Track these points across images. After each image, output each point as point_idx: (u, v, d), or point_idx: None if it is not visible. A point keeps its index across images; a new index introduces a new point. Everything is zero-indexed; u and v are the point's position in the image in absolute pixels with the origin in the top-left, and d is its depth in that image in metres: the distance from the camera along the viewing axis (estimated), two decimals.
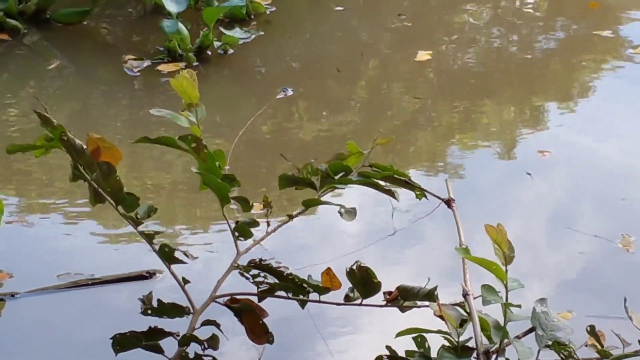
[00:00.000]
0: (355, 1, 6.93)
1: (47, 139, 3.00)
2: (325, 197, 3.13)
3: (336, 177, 3.10)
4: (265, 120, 5.11)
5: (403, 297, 2.97)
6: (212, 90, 5.52)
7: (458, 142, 5.08)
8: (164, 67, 5.69)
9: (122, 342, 3.00)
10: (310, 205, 3.15)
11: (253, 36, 6.12)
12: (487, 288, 2.73)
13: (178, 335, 3.02)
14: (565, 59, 6.12)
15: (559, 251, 4.10)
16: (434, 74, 5.87)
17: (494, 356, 2.73)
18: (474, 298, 2.77)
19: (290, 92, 5.45)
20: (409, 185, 3.11)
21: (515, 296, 2.75)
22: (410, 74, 5.86)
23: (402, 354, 2.89)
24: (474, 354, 2.70)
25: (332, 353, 3.47)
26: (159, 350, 3.03)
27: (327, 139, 5.07)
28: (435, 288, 2.87)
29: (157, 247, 3.07)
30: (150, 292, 3.07)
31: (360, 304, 3.03)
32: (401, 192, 3.18)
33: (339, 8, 6.72)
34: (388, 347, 2.89)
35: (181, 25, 5.76)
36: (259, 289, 3.05)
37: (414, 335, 2.88)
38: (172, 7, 5.89)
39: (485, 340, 2.73)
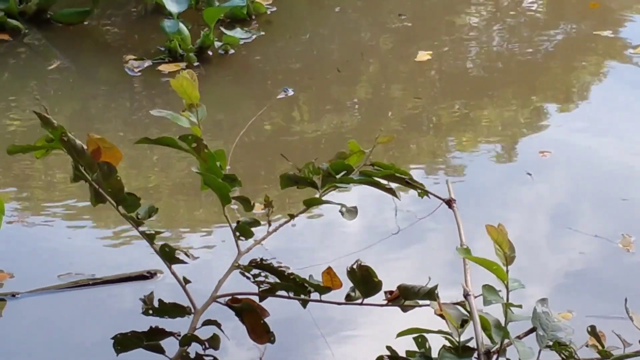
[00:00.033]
0: (356, 1, 6.94)
1: (48, 140, 3.00)
2: (327, 197, 3.14)
3: (338, 176, 3.10)
4: (266, 120, 5.11)
5: (404, 296, 2.97)
6: (213, 90, 5.52)
7: (458, 142, 5.08)
8: (165, 67, 5.69)
9: (123, 342, 3.00)
10: (311, 204, 3.15)
11: (254, 36, 6.12)
12: (488, 288, 2.73)
13: (179, 335, 3.02)
14: (566, 59, 6.12)
15: (559, 251, 4.10)
16: (434, 74, 5.87)
17: (495, 356, 2.73)
18: (475, 297, 2.77)
19: (291, 92, 5.45)
20: (410, 184, 3.11)
21: (516, 296, 2.76)
22: (411, 74, 5.86)
23: (403, 354, 2.89)
24: (475, 354, 2.70)
25: (333, 353, 3.47)
26: (160, 350, 3.03)
27: (328, 139, 5.08)
28: (436, 287, 2.87)
29: (157, 247, 3.07)
30: (152, 292, 3.07)
31: (361, 304, 3.03)
32: (402, 192, 3.18)
33: (339, 9, 6.72)
34: (389, 348, 2.89)
35: (182, 26, 5.77)
36: (260, 289, 3.05)
37: (414, 335, 2.88)
38: (173, 7, 5.90)
39: (486, 341, 2.73)
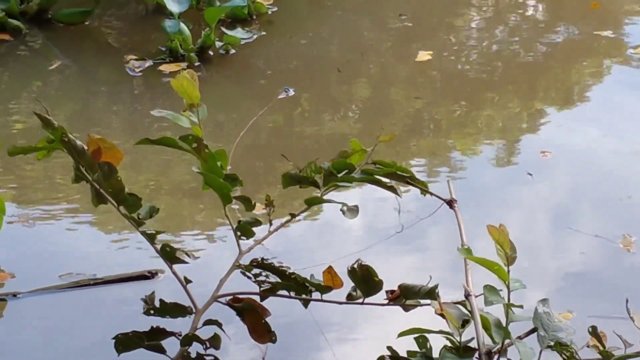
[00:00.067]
0: (357, 1, 6.94)
1: (49, 141, 3.00)
2: (328, 197, 3.14)
3: (339, 175, 3.10)
4: (267, 120, 5.11)
5: (405, 296, 2.97)
6: (214, 91, 5.53)
7: (459, 143, 5.08)
8: (166, 67, 5.69)
9: (124, 342, 3.00)
10: (312, 203, 3.16)
11: (255, 36, 6.12)
12: (489, 288, 2.73)
13: (180, 335, 3.02)
14: (566, 59, 6.12)
15: (560, 251, 4.10)
16: (434, 74, 5.87)
17: (496, 356, 2.73)
18: (476, 297, 2.77)
19: (291, 92, 5.45)
20: (411, 183, 3.12)
21: (516, 296, 2.76)
22: (411, 74, 5.86)
23: (404, 354, 2.89)
24: (476, 355, 2.70)
25: (335, 353, 3.47)
26: (161, 350, 3.03)
27: (329, 138, 5.08)
28: (436, 286, 2.88)
29: (158, 247, 3.07)
30: (153, 292, 3.07)
31: (362, 303, 3.03)
32: (403, 193, 3.18)
33: (339, 8, 6.72)
34: (389, 348, 2.89)
35: (183, 26, 5.77)
36: (261, 289, 3.05)
37: (415, 335, 2.88)
38: (173, 7, 5.90)
39: (487, 341, 2.73)
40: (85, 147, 2.95)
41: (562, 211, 4.40)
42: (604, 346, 2.85)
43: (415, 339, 2.90)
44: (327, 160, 3.15)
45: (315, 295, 3.04)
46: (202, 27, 5.99)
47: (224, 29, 5.98)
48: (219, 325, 3.04)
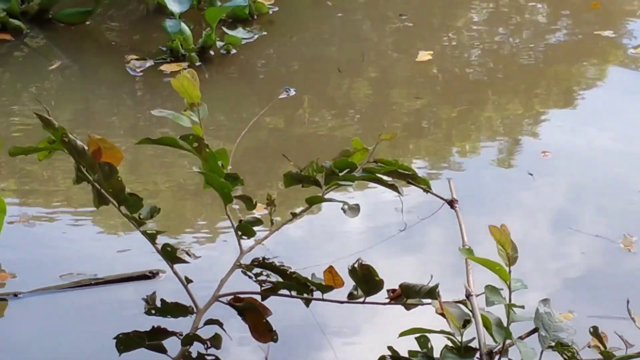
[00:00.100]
0: (357, 1, 6.94)
1: (50, 142, 3.00)
2: (329, 197, 3.14)
3: (341, 174, 3.10)
4: (267, 119, 5.11)
5: (405, 295, 2.98)
6: (215, 90, 5.53)
7: (460, 143, 5.08)
8: (167, 67, 5.69)
9: (125, 341, 3.01)
10: (313, 202, 3.16)
11: (256, 36, 6.12)
12: (490, 289, 2.73)
13: (181, 335, 3.02)
14: (567, 59, 6.12)
15: (561, 251, 4.10)
16: (435, 74, 5.87)
17: (497, 357, 2.73)
18: (477, 296, 2.77)
19: (292, 92, 5.45)
20: (414, 180, 3.12)
21: (517, 296, 2.76)
22: (412, 74, 5.86)
23: (405, 354, 2.89)
24: (477, 355, 2.70)
25: (335, 353, 3.47)
26: (162, 350, 3.04)
27: (330, 138, 5.08)
28: (437, 285, 2.88)
29: (159, 247, 3.07)
30: (154, 292, 3.08)
31: (363, 302, 3.03)
32: (404, 193, 3.18)
33: (340, 9, 6.73)
34: (390, 348, 2.89)
35: (184, 25, 5.77)
36: (262, 288, 3.06)
37: (416, 335, 2.88)
38: (174, 7, 5.90)
39: (488, 341, 2.73)
40: (86, 148, 2.96)
41: (562, 211, 4.40)
42: (605, 346, 2.85)
43: (417, 338, 2.90)
44: (328, 160, 3.15)
45: (316, 295, 3.05)
46: (203, 27, 5.99)
47: (225, 29, 5.98)
48: (220, 324, 3.04)
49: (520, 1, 7.00)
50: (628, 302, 2.84)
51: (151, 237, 3.06)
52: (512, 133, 5.17)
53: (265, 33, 6.17)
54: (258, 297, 3.07)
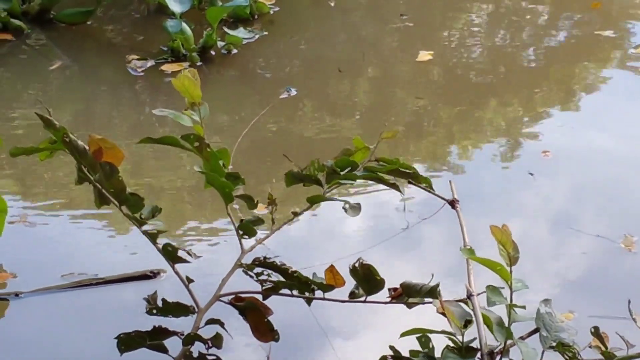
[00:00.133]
0: (358, 1, 6.94)
1: (51, 142, 3.00)
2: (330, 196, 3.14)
3: (342, 173, 3.10)
4: (268, 119, 5.11)
5: (406, 294, 2.98)
6: (216, 90, 5.53)
7: (460, 143, 5.08)
8: (168, 67, 5.70)
9: (127, 341, 3.01)
10: (314, 202, 3.16)
11: (257, 36, 6.12)
12: (491, 289, 2.73)
13: (182, 335, 3.02)
14: (567, 59, 6.12)
15: (561, 251, 4.10)
16: (435, 74, 5.87)
17: (498, 357, 2.73)
18: (478, 296, 2.78)
19: (294, 92, 5.45)
20: (415, 179, 3.12)
21: (518, 296, 2.76)
22: (412, 74, 5.86)
23: (406, 354, 2.89)
24: (478, 355, 2.70)
25: (336, 352, 3.47)
26: (164, 350, 3.04)
27: (330, 138, 5.08)
28: (438, 285, 2.88)
29: (160, 247, 3.07)
30: (155, 292, 3.08)
31: (364, 301, 3.03)
32: (404, 193, 3.18)
33: (341, 9, 6.73)
34: (392, 347, 2.89)
35: (185, 25, 5.77)
36: (264, 287, 3.06)
37: (418, 335, 2.88)
38: (175, 7, 5.90)
39: (489, 341, 2.73)
40: (87, 148, 2.96)
41: (563, 211, 4.40)
42: (606, 347, 2.85)
43: (418, 338, 2.90)
44: (329, 159, 3.15)
45: (318, 294, 3.05)
46: (204, 27, 5.99)
47: (225, 29, 5.99)
48: (222, 324, 3.04)
49: (520, 1, 7.00)
50: (629, 302, 2.84)
51: (152, 237, 3.06)
52: (513, 133, 5.17)
53: (266, 33, 6.17)
54: (259, 297, 3.07)
